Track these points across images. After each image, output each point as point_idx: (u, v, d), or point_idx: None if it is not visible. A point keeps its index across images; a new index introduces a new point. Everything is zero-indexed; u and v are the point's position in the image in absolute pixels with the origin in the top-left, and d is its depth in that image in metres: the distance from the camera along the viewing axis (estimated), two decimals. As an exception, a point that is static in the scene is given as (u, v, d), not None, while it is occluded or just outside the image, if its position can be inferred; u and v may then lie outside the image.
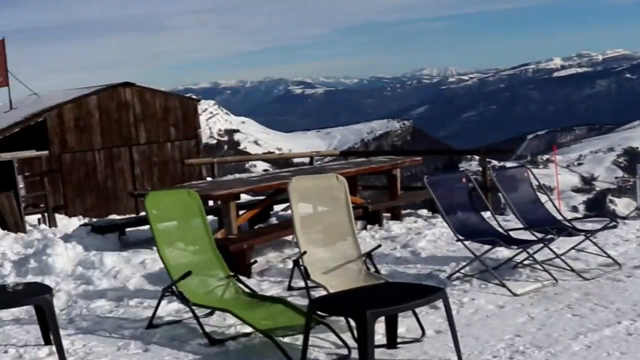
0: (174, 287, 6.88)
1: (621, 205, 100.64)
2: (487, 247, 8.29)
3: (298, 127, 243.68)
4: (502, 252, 8.74)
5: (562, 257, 8.46)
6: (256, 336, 6.46)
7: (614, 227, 9.00)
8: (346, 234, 7.72)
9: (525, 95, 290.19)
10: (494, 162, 61.88)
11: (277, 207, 12.46)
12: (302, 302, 7.25)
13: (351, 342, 6.00)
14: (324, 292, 6.90)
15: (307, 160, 17.24)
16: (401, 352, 6.08)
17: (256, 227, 11.29)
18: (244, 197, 12.00)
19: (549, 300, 7.34)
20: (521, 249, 8.30)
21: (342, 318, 6.33)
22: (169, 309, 7.46)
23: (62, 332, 6.43)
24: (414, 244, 10.07)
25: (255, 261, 9.07)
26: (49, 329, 6.34)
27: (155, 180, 23.36)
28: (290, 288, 8.11)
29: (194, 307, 6.72)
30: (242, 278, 7.58)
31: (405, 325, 6.46)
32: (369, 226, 11.42)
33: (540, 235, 8.52)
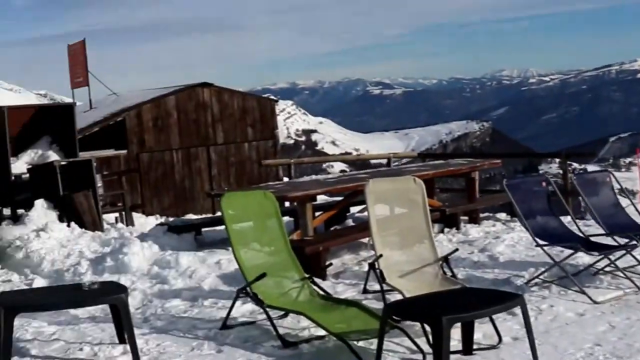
0: (248, 289, 6.87)
1: None
2: (567, 252, 8.14)
3: (376, 127, 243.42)
4: (583, 258, 8.55)
5: (646, 265, 8.23)
6: (330, 339, 6.42)
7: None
8: (423, 237, 7.65)
9: (608, 96, 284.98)
10: (575, 165, 60.86)
11: (354, 209, 12.41)
12: (377, 305, 7.17)
13: (426, 348, 5.92)
14: (399, 296, 6.86)
15: (384, 161, 17.15)
16: (477, 358, 5.98)
17: (332, 228, 11.25)
18: (321, 198, 11.97)
19: (630, 308, 7.15)
20: (602, 255, 8.11)
21: (417, 323, 6.24)
22: (243, 309, 7.46)
23: (136, 331, 6.47)
24: (492, 248, 9.92)
25: (331, 263, 9.04)
26: (124, 328, 6.38)
27: (232, 180, 23.50)
28: (365, 291, 8.04)
29: (268, 309, 6.70)
30: (317, 280, 7.54)
31: (482, 331, 6.34)
32: (446, 229, 11.30)
33: (622, 241, 8.30)
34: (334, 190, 10.66)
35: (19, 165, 13.40)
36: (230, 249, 7.35)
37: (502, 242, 10.24)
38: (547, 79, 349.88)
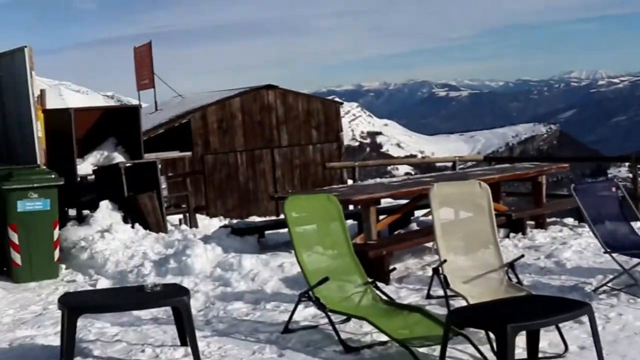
0: (310, 293, 6.84)
1: None
2: (636, 260, 7.95)
3: (441, 130, 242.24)
4: (653, 266, 8.33)
5: None
6: (392, 345, 6.36)
7: None
8: (488, 242, 7.56)
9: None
10: (645, 169, 59.66)
11: (418, 213, 12.31)
12: (441, 311, 7.12)
13: (490, 356, 5.84)
14: (463, 302, 6.79)
15: (449, 164, 17.02)
16: (543, 368, 5.86)
17: (396, 232, 11.17)
18: (385, 202, 11.90)
19: (703, 318, 6.94)
20: (674, 263, 7.89)
21: (481, 330, 6.14)
22: (306, 313, 7.42)
23: (198, 334, 6.50)
24: (559, 254, 9.74)
25: (394, 268, 8.96)
26: (186, 330, 6.39)
27: (296, 182, 23.52)
28: (429, 296, 7.97)
29: (330, 314, 6.67)
30: (380, 285, 7.49)
31: (548, 339, 6.23)
32: (511, 234, 11.13)
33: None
34: (398, 193, 10.59)
35: (85, 167, 13.56)
36: (293, 252, 7.33)
37: (569, 248, 10.05)
38: (616, 80, 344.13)
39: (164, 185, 13.98)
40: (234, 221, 14.34)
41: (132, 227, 11.71)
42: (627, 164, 16.17)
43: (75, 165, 13.20)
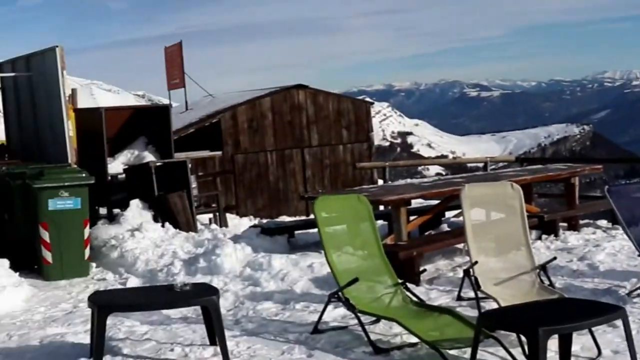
0: (340, 293, 6.83)
1: None
2: (672, 263, 7.83)
3: (472, 130, 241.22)
4: (689, 269, 8.23)
5: None
6: (422, 347, 6.32)
7: None
8: (520, 244, 7.50)
9: None
10: (680, 171, 59.04)
11: (449, 214, 12.23)
12: (472, 313, 7.08)
13: (521, 359, 5.77)
14: (494, 304, 6.75)
15: (481, 165, 16.92)
16: (575, 372, 5.79)
17: (426, 233, 11.11)
18: (415, 202, 11.84)
19: None
20: None
21: (512, 333, 6.07)
22: (335, 314, 7.40)
23: (227, 333, 6.50)
24: (592, 256, 9.62)
25: (425, 269, 8.91)
26: (215, 329, 6.40)
27: (327, 182, 23.48)
28: (459, 298, 7.92)
29: (360, 314, 6.65)
30: (410, 286, 7.48)
31: (580, 343, 6.15)
32: (543, 236, 11.03)
33: None
34: (429, 194, 10.53)
35: (116, 166, 13.62)
36: (322, 252, 7.30)
37: (602, 251, 9.93)
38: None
39: (194, 185, 14.01)
40: (264, 221, 14.34)
41: (162, 226, 11.74)
42: (661, 165, 15.94)
43: (106, 164, 13.26)
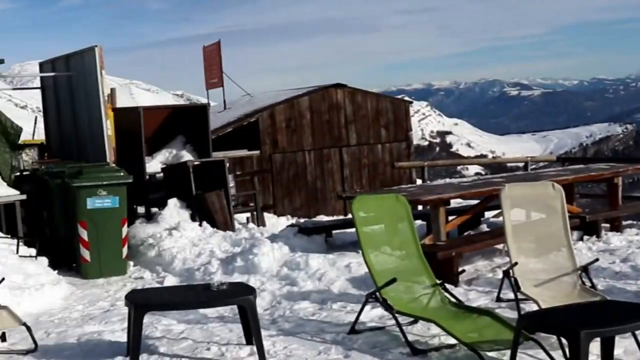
0: (378, 294, 6.79)
1: None
2: None
3: (512, 129, 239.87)
4: None
5: None
6: (461, 349, 6.26)
7: None
8: (561, 245, 7.41)
9: None
10: None
11: (488, 214, 12.12)
12: (511, 315, 6.99)
13: (562, 362, 5.66)
14: (534, 306, 6.68)
15: (521, 165, 16.78)
16: (617, 376, 5.67)
17: (465, 233, 11.00)
18: (454, 202, 11.75)
19: None
20: None
21: (553, 335, 5.97)
22: (372, 314, 7.35)
23: (264, 333, 6.49)
24: (635, 258, 9.45)
25: (464, 270, 8.81)
26: (251, 329, 6.38)
27: (365, 182, 23.43)
28: (498, 299, 7.83)
29: (397, 315, 6.59)
30: (449, 287, 7.43)
31: (623, 346, 6.03)
32: (585, 237, 10.87)
33: None
34: (468, 194, 10.45)
35: (154, 165, 13.68)
36: (360, 252, 7.26)
37: (646, 252, 9.76)
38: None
39: (231, 184, 14.02)
40: (302, 220, 14.31)
41: (200, 225, 11.76)
42: None
43: (144, 163, 13.32)
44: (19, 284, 9.03)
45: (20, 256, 10.08)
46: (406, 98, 30.64)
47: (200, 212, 12.28)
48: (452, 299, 7.10)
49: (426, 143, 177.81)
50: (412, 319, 6.92)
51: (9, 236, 10.77)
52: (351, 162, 23.07)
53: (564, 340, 5.63)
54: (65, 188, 11.00)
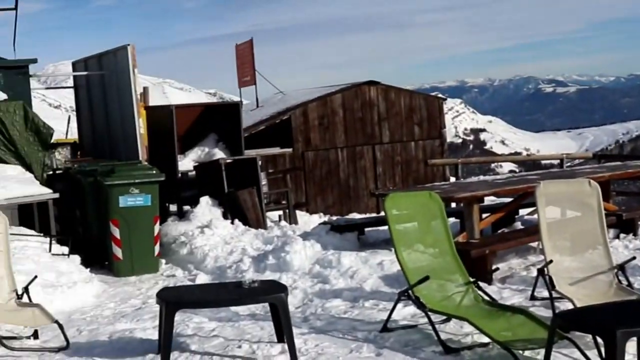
0: (410, 292, 6.75)
1: None
2: None
3: (547, 126, 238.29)
4: None
5: None
6: (494, 347, 6.20)
7: None
8: (597, 243, 7.30)
9: None
10: None
11: (523, 211, 11.99)
12: (545, 313, 6.92)
13: (598, 361, 5.57)
14: (569, 305, 6.61)
15: (556, 162, 16.62)
16: (654, 376, 5.57)
17: (500, 231, 10.90)
18: (488, 200, 11.65)
19: None
20: None
21: (588, 334, 5.87)
22: (405, 312, 7.29)
23: (295, 331, 6.46)
24: (673, 256, 9.30)
25: (497, 268, 8.73)
26: (283, 327, 6.36)
27: (398, 179, 23.39)
28: (533, 298, 7.73)
29: (430, 313, 6.54)
30: (482, 285, 7.34)
31: (660, 346, 5.90)
32: (622, 235, 10.71)
33: None
34: (502, 191, 10.38)
35: (186, 163, 13.71)
36: (393, 249, 7.21)
37: (684, 250, 9.60)
38: None
39: (264, 182, 14.01)
40: (334, 218, 14.26)
41: (232, 223, 11.76)
42: None
43: (176, 161, 13.35)
44: (51, 282, 9.08)
45: (53, 254, 10.14)
46: (440, 95, 30.53)
47: (232, 210, 12.28)
48: (486, 297, 7.04)
49: (460, 141, 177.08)
50: (444, 317, 6.86)
51: (42, 234, 10.83)
52: (384, 159, 23.04)
53: (599, 340, 5.54)
54: (97, 186, 11.04)
